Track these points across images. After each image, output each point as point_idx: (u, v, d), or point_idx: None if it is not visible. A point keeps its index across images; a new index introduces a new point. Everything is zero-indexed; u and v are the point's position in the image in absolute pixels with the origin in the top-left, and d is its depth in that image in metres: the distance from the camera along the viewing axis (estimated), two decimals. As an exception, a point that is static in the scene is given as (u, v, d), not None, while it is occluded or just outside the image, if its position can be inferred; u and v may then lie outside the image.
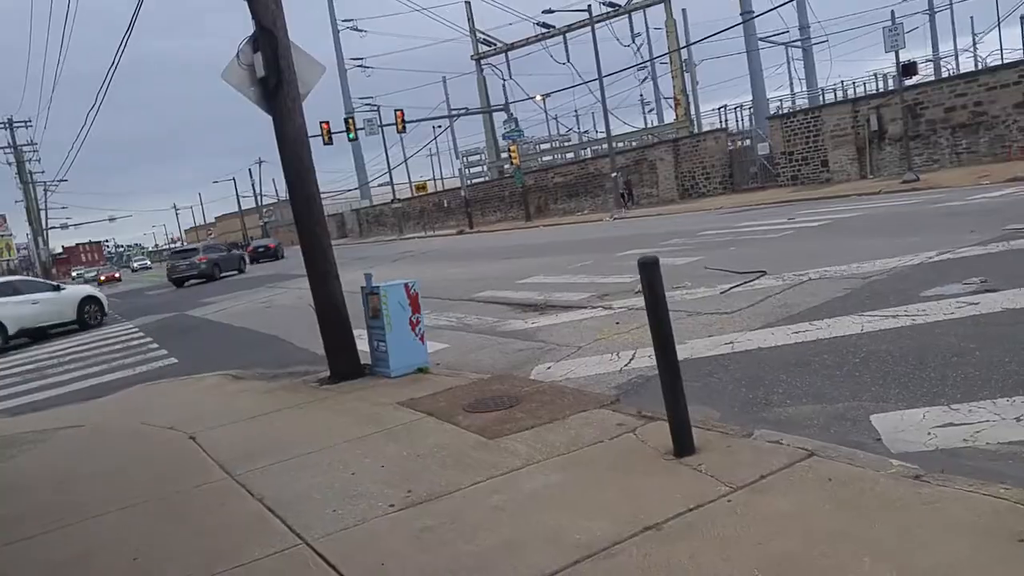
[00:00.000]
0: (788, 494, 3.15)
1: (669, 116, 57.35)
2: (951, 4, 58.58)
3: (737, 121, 52.20)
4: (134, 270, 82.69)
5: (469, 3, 51.09)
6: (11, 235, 71.10)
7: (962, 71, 34.44)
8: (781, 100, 57.40)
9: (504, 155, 52.99)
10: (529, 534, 3.10)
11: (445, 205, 46.59)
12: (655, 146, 34.87)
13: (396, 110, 34.91)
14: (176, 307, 19.97)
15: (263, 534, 3.50)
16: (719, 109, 65.46)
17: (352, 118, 34.79)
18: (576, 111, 65.10)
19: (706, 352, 5.99)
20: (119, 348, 12.83)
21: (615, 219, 29.06)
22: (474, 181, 57.07)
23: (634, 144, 45.07)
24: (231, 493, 4.16)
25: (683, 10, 50.87)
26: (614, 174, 32.00)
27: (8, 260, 59.67)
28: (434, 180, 78.25)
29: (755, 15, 43.70)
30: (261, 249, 46.27)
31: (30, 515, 4.32)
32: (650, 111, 74.31)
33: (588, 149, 57.83)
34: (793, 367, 5.25)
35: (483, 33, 51.48)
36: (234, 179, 77.96)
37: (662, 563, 2.72)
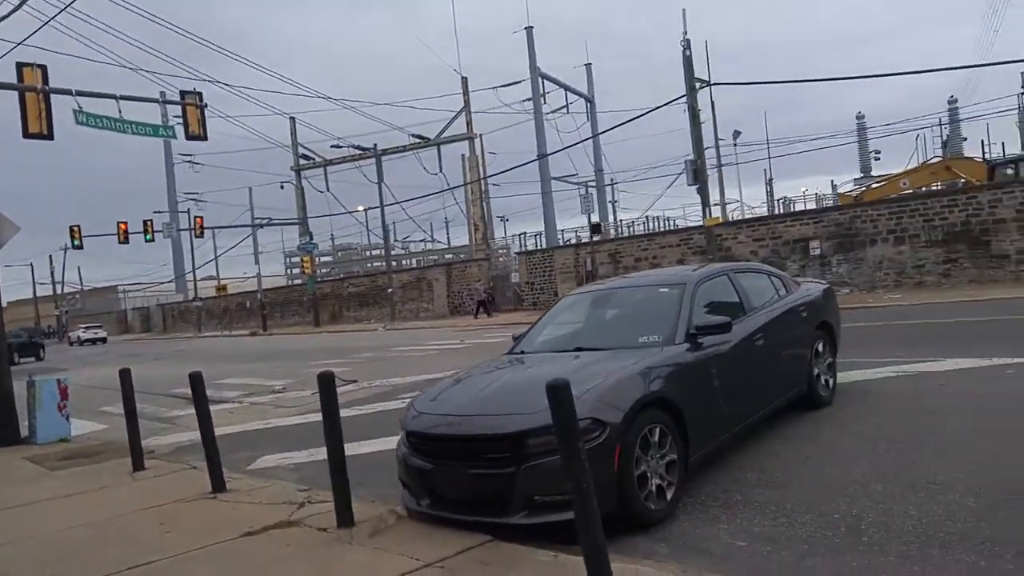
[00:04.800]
0: (164, 479, 6.96)
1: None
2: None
3: (537, 245, 59.35)
4: None
5: (294, 119, 55.65)
6: None
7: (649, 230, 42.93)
8: (577, 230, 65.83)
9: (318, 262, 56.62)
10: (45, 508, 6.68)
11: (248, 306, 48.90)
12: (432, 268, 40.02)
13: (196, 216, 37.75)
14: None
15: None
16: (520, 236, 73.16)
17: (151, 221, 37.17)
18: (388, 224, 70.15)
19: (245, 429, 9.87)
20: None
21: (386, 329, 33.23)
22: (295, 283, 59.91)
23: (448, 258, 50.51)
24: None
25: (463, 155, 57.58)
26: (389, 289, 36.46)
27: None
28: (258, 278, 79.78)
29: (547, 155, 51.38)
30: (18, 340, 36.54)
31: None
32: (476, 230, 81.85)
33: (414, 260, 62.83)
34: (272, 437, 9.22)
35: (304, 147, 55.82)
36: (32, 264, 74.69)
37: (64, 503, 6.42)
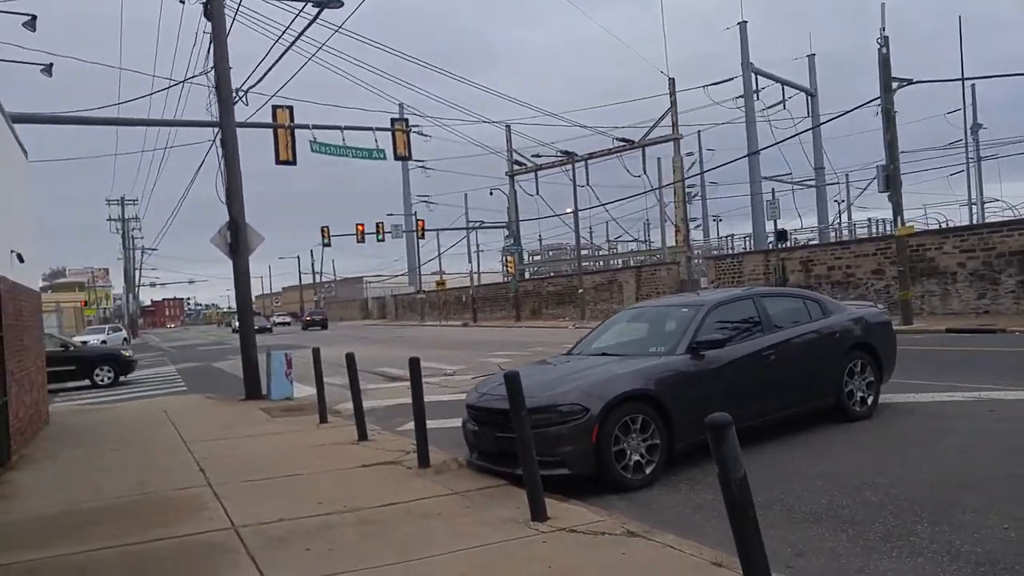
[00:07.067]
0: (335, 430, 9.59)
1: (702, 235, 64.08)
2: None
3: (746, 247, 58.14)
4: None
5: (509, 127, 60.07)
6: (111, 287, 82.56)
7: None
8: (793, 232, 63.12)
9: (527, 262, 60.71)
10: (256, 438, 9.65)
11: (463, 299, 53.91)
12: (622, 270, 41.39)
13: (418, 219, 42.85)
14: (208, 359, 27.32)
15: (172, 434, 10.16)
16: (727, 237, 71.43)
17: (382, 223, 42.95)
18: (598, 225, 72.23)
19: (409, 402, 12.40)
20: (160, 380, 20.01)
21: (575, 327, 35.42)
22: (507, 279, 64.87)
23: (648, 260, 51.85)
24: (166, 424, 10.88)
25: (686, 154, 57.48)
26: (580, 290, 38.57)
27: (105, 308, 69.90)
28: (479, 273, 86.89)
29: (757, 152, 50.12)
30: (318, 318, 59.39)
31: (94, 431, 11.14)
32: (696, 227, 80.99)
33: (618, 260, 64.76)
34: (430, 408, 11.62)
35: (518, 153, 60.04)
36: (298, 257, 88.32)
37: (270, 438, 9.25)
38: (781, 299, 7.64)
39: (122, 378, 20.01)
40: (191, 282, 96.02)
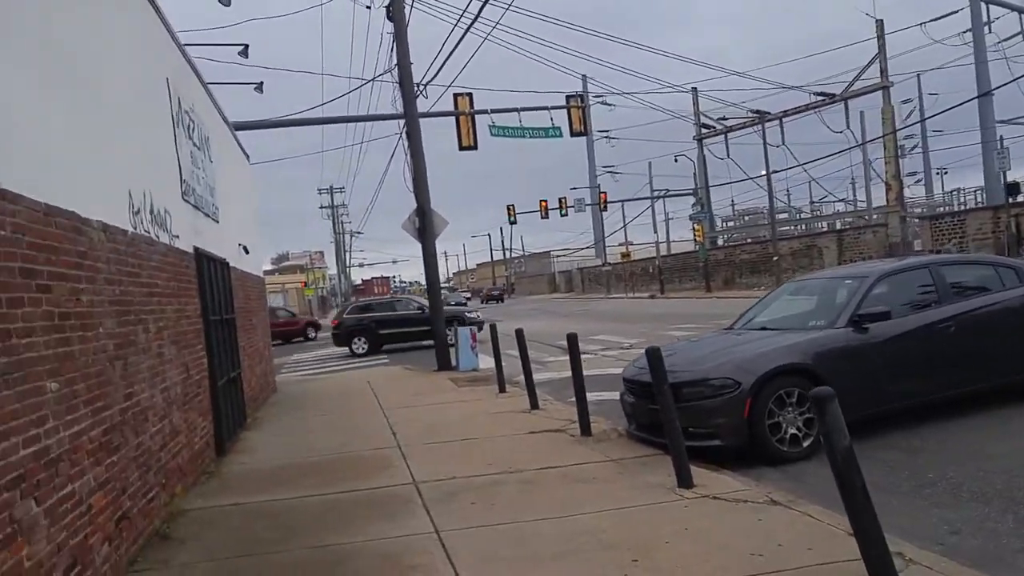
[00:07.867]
0: (510, 399, 10.34)
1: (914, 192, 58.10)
2: None
3: (978, 202, 51.85)
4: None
5: (696, 90, 57.96)
6: (326, 268, 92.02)
7: None
8: (1034, 182, 55.11)
9: (720, 228, 58.65)
10: (441, 406, 10.69)
11: (650, 271, 53.35)
12: (822, 235, 38.64)
13: (601, 191, 43.02)
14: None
15: (372, 401, 11.51)
16: (954, 192, 63.90)
17: (564, 198, 43.67)
18: (796, 187, 67.54)
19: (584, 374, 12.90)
20: (363, 354, 22.33)
21: (767, 296, 33.93)
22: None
23: (856, 222, 47.99)
24: (368, 392, 12.29)
25: (903, 101, 50.67)
26: (775, 257, 36.59)
27: (322, 288, 78.28)
28: (667, 243, 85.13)
29: (989, 92, 44.01)
30: (495, 293, 67.56)
31: (309, 398, 12.87)
32: (917, 181, 72.87)
33: (822, 223, 60.59)
34: (597, 381, 12.01)
35: (706, 116, 57.78)
36: (488, 235, 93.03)
37: (453, 405, 10.20)
38: (965, 267, 7.05)
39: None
40: (394, 262, 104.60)
